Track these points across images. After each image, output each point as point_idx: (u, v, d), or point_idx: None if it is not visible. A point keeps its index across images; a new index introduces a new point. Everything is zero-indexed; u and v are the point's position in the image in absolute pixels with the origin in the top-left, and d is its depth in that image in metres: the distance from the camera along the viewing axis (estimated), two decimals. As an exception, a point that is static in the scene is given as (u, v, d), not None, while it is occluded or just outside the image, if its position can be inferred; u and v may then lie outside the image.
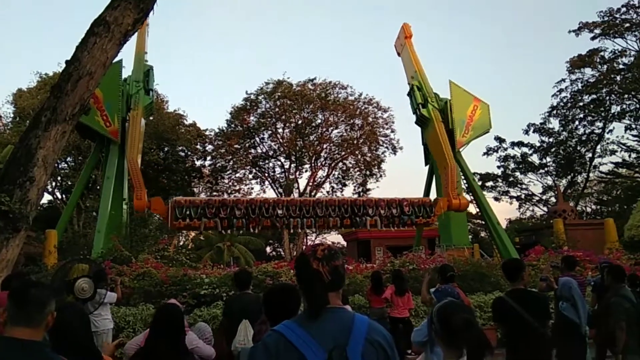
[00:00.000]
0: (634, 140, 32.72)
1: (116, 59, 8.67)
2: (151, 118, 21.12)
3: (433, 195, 20.46)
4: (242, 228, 16.16)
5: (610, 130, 33.70)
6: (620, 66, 31.54)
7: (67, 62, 6.85)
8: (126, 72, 16.86)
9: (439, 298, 4.84)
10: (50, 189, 28.75)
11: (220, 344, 5.35)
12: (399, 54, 22.04)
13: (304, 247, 41.18)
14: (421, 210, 17.37)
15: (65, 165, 29.89)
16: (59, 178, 29.25)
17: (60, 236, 15.06)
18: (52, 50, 65.98)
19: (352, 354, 1.75)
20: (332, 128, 36.29)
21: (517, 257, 11.36)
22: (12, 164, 6.40)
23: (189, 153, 34.82)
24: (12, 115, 29.65)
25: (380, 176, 37.51)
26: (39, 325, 2.06)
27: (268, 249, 43.66)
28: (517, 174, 37.45)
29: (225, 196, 38.20)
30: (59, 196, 30.21)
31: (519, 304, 4.22)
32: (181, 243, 35.34)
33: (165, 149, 32.55)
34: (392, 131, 36.71)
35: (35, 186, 6.37)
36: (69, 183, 28.67)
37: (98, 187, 22.62)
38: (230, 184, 38.02)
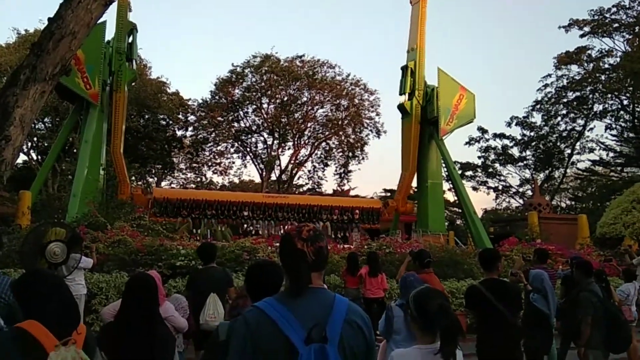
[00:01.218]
0: (612, 140, 33.49)
1: (100, 21, 8.43)
2: (133, 84, 20.67)
3: (413, 180, 20.69)
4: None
5: (591, 129, 34.47)
6: (606, 66, 31.98)
7: (49, 19, 6.59)
8: (109, 32, 16.39)
9: (401, 288, 4.89)
10: (25, 150, 28.09)
11: (188, 317, 5.33)
12: (411, 3, 20.39)
13: (281, 225, 41.09)
14: (369, 216, 20.02)
15: (42, 126, 29.21)
16: (35, 139, 28.60)
17: (35, 198, 14.81)
18: (31, 7, 63.68)
19: (331, 333, 1.78)
20: (317, 107, 36.08)
21: (493, 248, 11.57)
22: (-14, 122, 6.19)
23: (170, 122, 34.25)
24: (-13, 71, 28.66)
25: (363, 158, 37.65)
26: None
27: (245, 225, 43.57)
28: (497, 165, 38.07)
29: (205, 169, 38.05)
30: (35, 157, 29.55)
31: (492, 293, 4.31)
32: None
33: (146, 116, 31.96)
34: (378, 114, 36.72)
35: (10, 145, 6.17)
36: (46, 144, 28.07)
37: (75, 150, 22.21)
38: (211, 156, 37.65)
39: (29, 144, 28.42)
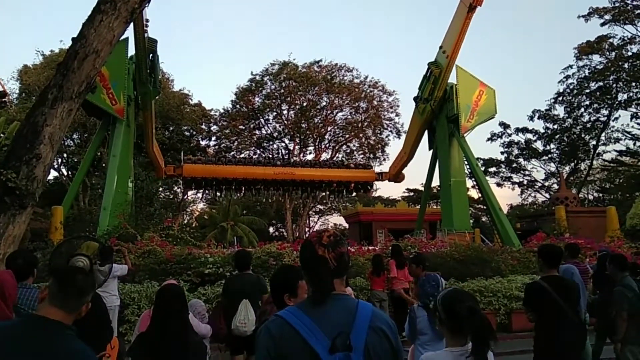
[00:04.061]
0: (639, 129, 32.59)
1: (122, 37, 8.62)
2: (157, 97, 21.12)
3: (436, 179, 20.55)
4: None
5: (616, 118, 33.63)
6: (629, 53, 31.15)
7: (73, 39, 6.78)
8: (131, 47, 16.54)
9: (423, 286, 4.68)
10: (56, 166, 28.83)
11: (219, 322, 5.42)
12: None
13: (307, 228, 41.13)
14: (362, 187, 24.30)
15: (71, 142, 29.96)
16: (65, 155, 29.32)
17: (67, 213, 15.12)
18: (55, 28, 65.51)
19: (355, 341, 1.74)
20: (336, 111, 36.20)
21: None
22: (18, 141, 6.40)
23: (194, 133, 34.81)
24: (17, 92, 29.60)
25: (384, 159, 37.59)
26: (73, 311, 2.06)
27: (271, 230, 43.88)
28: (521, 160, 37.46)
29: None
30: (65, 173, 30.32)
31: (555, 290, 4.19)
32: (185, 221, 35.60)
33: (171, 128, 32.53)
34: (397, 115, 36.75)
35: (41, 163, 6.36)
36: (75, 160, 28.78)
37: (104, 165, 22.74)
38: (234, 164, 38.12)
39: (59, 160, 29.19)
